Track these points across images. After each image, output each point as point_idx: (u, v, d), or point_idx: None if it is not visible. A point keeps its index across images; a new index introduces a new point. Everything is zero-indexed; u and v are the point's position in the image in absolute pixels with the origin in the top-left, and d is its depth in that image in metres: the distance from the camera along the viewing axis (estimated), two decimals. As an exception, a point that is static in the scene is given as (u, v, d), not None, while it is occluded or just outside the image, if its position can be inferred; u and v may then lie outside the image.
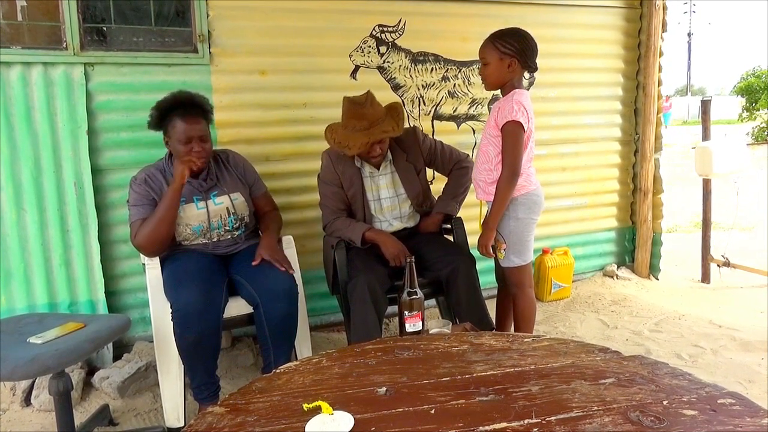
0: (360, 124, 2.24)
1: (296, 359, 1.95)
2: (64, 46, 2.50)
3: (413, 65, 3.19)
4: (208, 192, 2.25)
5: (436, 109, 3.29)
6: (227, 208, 2.26)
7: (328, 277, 2.56)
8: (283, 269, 2.16)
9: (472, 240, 2.51)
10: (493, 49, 2.16)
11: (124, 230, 2.54)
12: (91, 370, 2.57)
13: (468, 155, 2.66)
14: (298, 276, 2.24)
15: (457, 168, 2.58)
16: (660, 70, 3.70)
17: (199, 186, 2.23)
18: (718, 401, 1.15)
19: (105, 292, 2.63)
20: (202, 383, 2.11)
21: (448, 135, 3.30)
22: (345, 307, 2.35)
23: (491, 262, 2.49)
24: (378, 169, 2.44)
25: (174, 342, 2.07)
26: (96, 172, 2.60)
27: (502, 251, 2.28)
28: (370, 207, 2.45)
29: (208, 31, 2.74)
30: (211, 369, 2.13)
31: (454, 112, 3.33)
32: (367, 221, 2.44)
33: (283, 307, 2.12)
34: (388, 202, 2.47)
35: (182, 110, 2.16)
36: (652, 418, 1.09)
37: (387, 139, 2.33)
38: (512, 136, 2.14)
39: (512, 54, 2.14)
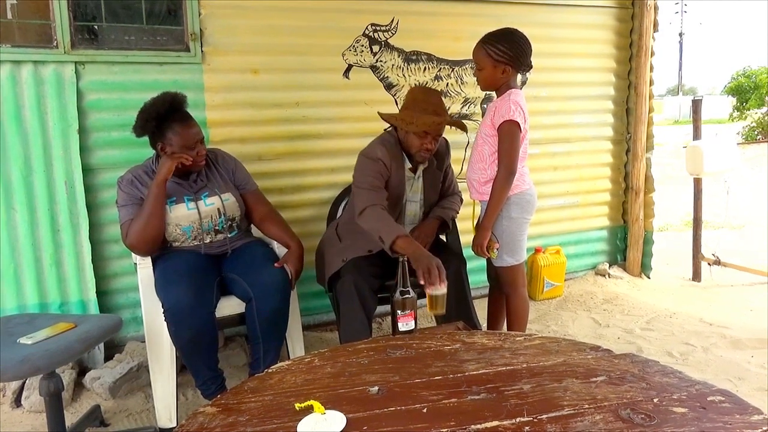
0: (430, 107, 2.19)
1: (288, 358, 1.94)
2: (55, 44, 2.48)
3: (406, 64, 3.19)
4: (199, 193, 2.23)
5: (428, 108, 3.28)
6: (218, 209, 2.25)
7: (318, 271, 2.55)
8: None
9: (466, 239, 2.51)
10: (487, 56, 2.17)
11: (115, 230, 2.52)
12: (82, 370, 2.55)
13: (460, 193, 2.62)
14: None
15: (451, 193, 2.57)
16: (651, 69, 3.72)
17: (189, 187, 2.22)
18: (708, 399, 1.16)
19: (96, 292, 2.62)
20: (207, 379, 2.12)
21: (440, 134, 3.31)
22: (337, 306, 2.35)
23: (483, 261, 2.50)
24: (414, 174, 2.38)
25: (166, 342, 2.07)
26: (87, 171, 2.59)
27: (495, 251, 2.29)
28: (403, 209, 2.38)
29: (200, 30, 2.73)
30: (213, 364, 2.14)
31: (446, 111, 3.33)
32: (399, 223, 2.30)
33: (275, 302, 2.12)
34: (412, 206, 2.42)
35: (179, 114, 2.14)
36: (643, 416, 1.09)
37: (438, 141, 2.27)
38: (509, 135, 2.15)
39: (506, 61, 2.15)
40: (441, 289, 1.76)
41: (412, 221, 2.45)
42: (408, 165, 2.32)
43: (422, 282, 1.82)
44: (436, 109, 2.21)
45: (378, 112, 2.35)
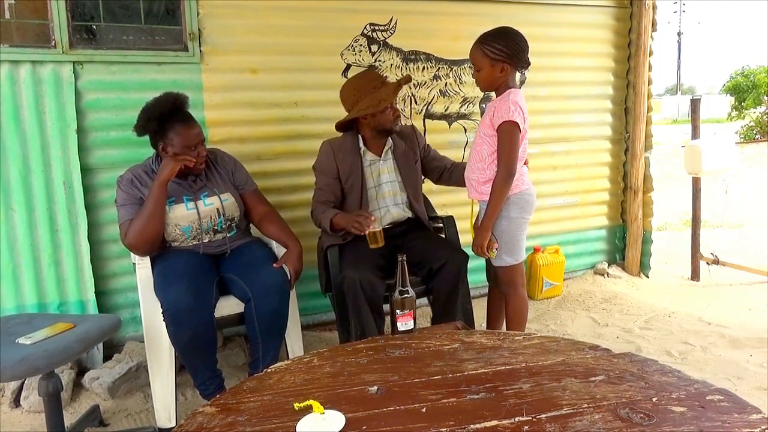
0: (377, 82, 2.37)
1: (288, 358, 1.95)
2: (53, 44, 2.48)
3: (405, 64, 3.19)
4: (198, 193, 2.23)
5: (427, 107, 3.29)
6: (217, 209, 2.25)
7: (320, 276, 2.56)
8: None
9: (465, 239, 2.51)
10: (484, 56, 2.16)
11: (114, 229, 2.52)
12: (81, 370, 2.55)
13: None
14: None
15: (456, 164, 2.65)
16: (650, 69, 3.73)
17: (188, 187, 2.22)
18: (707, 398, 1.16)
19: (95, 292, 2.62)
20: (205, 379, 2.12)
21: (439, 134, 3.31)
22: (337, 306, 2.35)
23: (483, 261, 2.50)
24: (380, 156, 2.47)
25: (165, 342, 2.07)
26: (85, 171, 2.59)
27: (494, 250, 2.29)
28: (368, 194, 2.45)
29: (199, 30, 2.72)
30: (211, 364, 2.14)
31: (445, 110, 3.33)
32: (364, 209, 2.41)
33: (274, 302, 2.12)
34: (388, 186, 2.49)
35: (182, 115, 2.15)
36: (642, 415, 1.09)
37: (395, 106, 2.42)
38: (508, 136, 2.15)
39: (503, 59, 2.15)
40: (375, 227, 2.17)
41: (394, 201, 2.50)
42: (362, 146, 2.44)
43: (358, 233, 2.20)
44: (381, 80, 2.39)
45: (335, 125, 2.47)
